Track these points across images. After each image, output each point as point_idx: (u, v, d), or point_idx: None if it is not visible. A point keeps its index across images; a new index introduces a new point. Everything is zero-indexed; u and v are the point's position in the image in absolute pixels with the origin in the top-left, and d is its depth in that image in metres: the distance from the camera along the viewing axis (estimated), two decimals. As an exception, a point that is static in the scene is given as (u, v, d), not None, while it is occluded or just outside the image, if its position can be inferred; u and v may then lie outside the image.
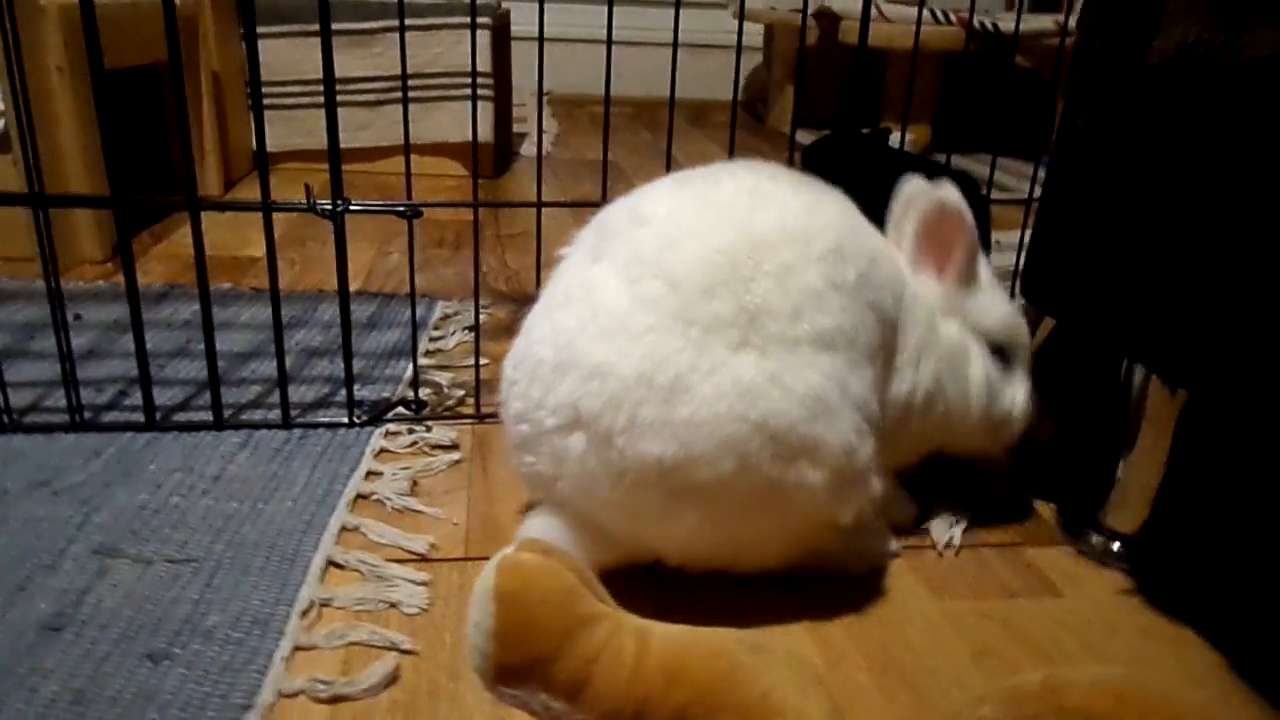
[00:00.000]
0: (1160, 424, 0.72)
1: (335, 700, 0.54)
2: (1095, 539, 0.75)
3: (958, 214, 0.70)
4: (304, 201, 0.77)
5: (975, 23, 2.19)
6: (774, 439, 0.57)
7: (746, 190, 0.63)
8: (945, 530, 0.75)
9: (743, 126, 2.80)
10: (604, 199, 0.70)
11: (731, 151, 0.91)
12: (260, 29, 1.77)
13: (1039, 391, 0.77)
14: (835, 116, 2.52)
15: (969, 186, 1.13)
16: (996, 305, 0.73)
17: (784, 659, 0.41)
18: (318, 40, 0.76)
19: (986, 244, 1.08)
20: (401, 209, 0.78)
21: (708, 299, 0.57)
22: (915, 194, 0.72)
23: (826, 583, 0.67)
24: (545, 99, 2.85)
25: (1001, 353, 0.73)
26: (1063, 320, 0.78)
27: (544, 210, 0.87)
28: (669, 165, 0.81)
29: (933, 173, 1.11)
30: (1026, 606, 0.68)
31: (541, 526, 0.63)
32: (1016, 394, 0.74)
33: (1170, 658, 0.63)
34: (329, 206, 0.77)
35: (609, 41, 0.83)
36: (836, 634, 0.63)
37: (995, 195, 0.99)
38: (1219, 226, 0.57)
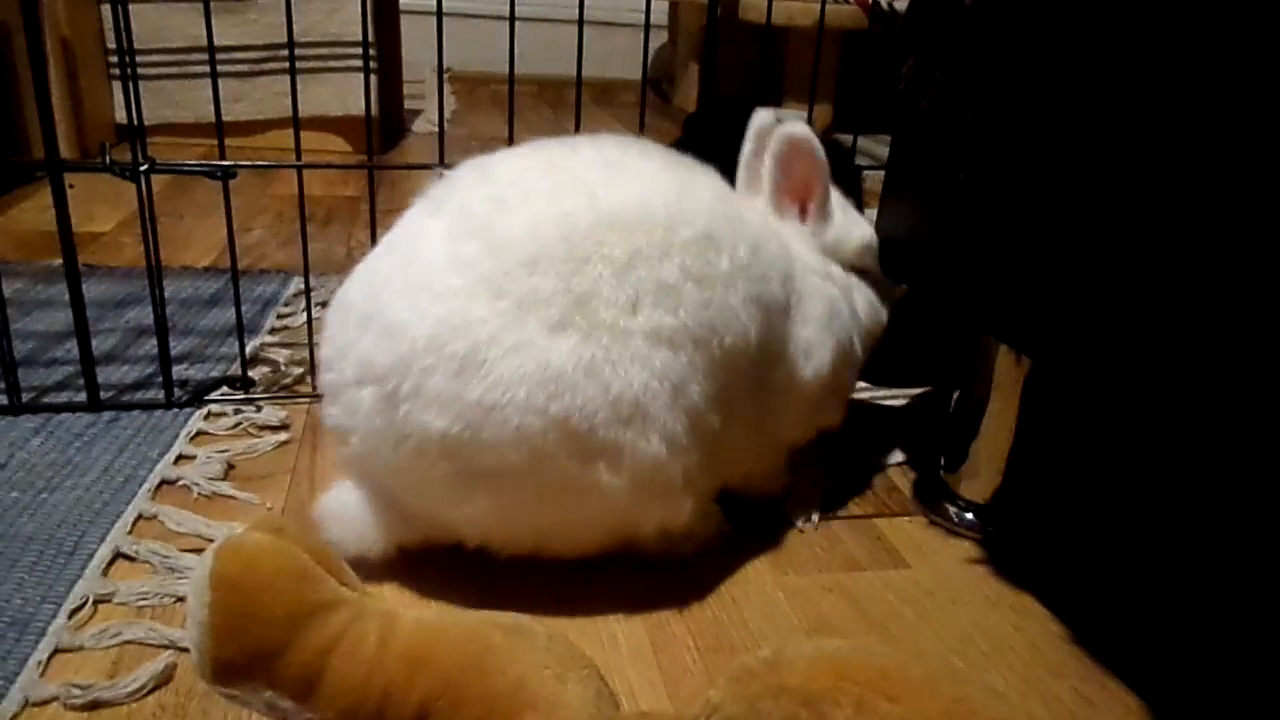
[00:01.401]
0: (1008, 391, 0.70)
1: (93, 706, 0.49)
2: (949, 509, 0.73)
3: (809, 147, 0.67)
4: (100, 161, 0.70)
5: (874, 1, 2.19)
6: (572, 437, 0.52)
7: (605, 162, 0.58)
8: (801, 513, 0.72)
9: (648, 105, 2.76)
10: (441, 160, 0.65)
11: (642, 128, 0.87)
12: (115, -9, 1.67)
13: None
14: (740, 95, 2.50)
15: (840, 155, 1.11)
16: (851, 230, 0.71)
17: (545, 644, 0.37)
18: (183, 5, 0.68)
19: (859, 209, 1.06)
20: (209, 169, 0.72)
21: (528, 272, 0.52)
22: (764, 132, 0.70)
23: (664, 564, 0.63)
24: (447, 74, 2.77)
25: (862, 272, 0.72)
26: (913, 289, 0.76)
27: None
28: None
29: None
30: (870, 579, 0.65)
31: (339, 498, 0.58)
32: (883, 299, 0.74)
33: (1010, 628, 0.61)
34: (129, 166, 0.70)
35: (512, 19, 0.78)
36: (669, 616, 0.60)
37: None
38: (1047, 179, 0.55)
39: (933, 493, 0.75)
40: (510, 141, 0.86)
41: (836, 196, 0.71)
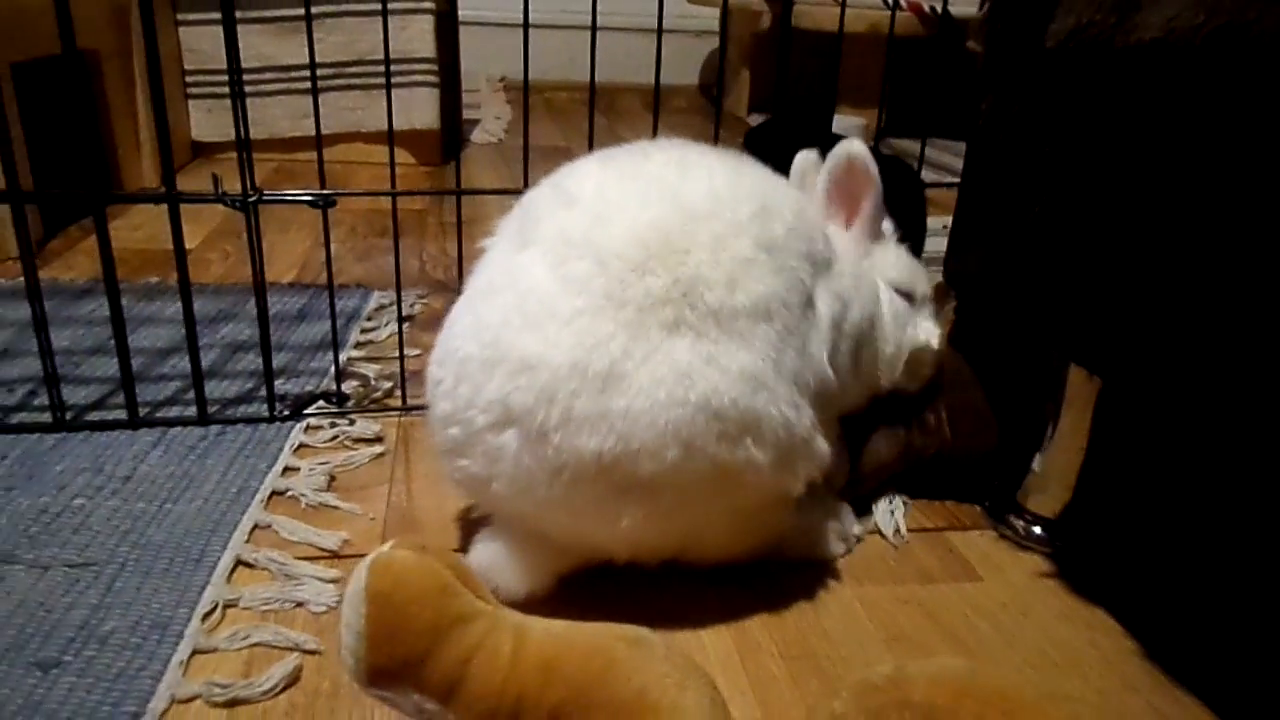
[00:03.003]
0: (1079, 408, 0.72)
1: (233, 704, 0.53)
2: (1017, 523, 0.75)
3: (865, 167, 0.70)
4: (213, 193, 0.75)
5: (928, 7, 2.20)
6: (718, 417, 0.55)
7: (674, 161, 0.62)
8: (889, 520, 0.75)
9: (699, 111, 2.79)
10: (525, 185, 0.68)
11: (717, 139, 0.90)
12: (197, 15, 1.74)
13: (989, 403, 0.78)
14: (791, 100, 2.52)
15: (904, 172, 1.13)
16: (898, 256, 0.75)
17: (664, 654, 0.40)
18: (256, 26, 0.73)
19: (922, 229, 1.08)
20: (313, 199, 0.76)
21: (640, 275, 0.55)
22: (806, 170, 0.75)
23: (749, 574, 0.67)
24: (501, 84, 2.83)
25: (906, 296, 0.74)
26: (983, 307, 0.78)
27: (497, 198, 0.84)
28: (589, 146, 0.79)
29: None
30: (944, 591, 0.68)
31: (487, 551, 0.61)
32: (924, 325, 0.75)
33: (1083, 641, 0.63)
34: (239, 197, 0.75)
35: (526, 26, 0.82)
36: (753, 625, 0.63)
37: (941, 178, 0.99)
38: (1122, 212, 0.57)
39: (1001, 507, 0.77)
40: (525, 149, 0.89)
41: (890, 228, 0.76)
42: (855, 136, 2.18)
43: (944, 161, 1.87)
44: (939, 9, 2.18)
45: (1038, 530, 0.74)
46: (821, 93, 2.46)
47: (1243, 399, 0.52)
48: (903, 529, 0.74)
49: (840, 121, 2.06)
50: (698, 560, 0.63)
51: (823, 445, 0.62)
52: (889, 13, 2.18)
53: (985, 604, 0.66)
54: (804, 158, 0.76)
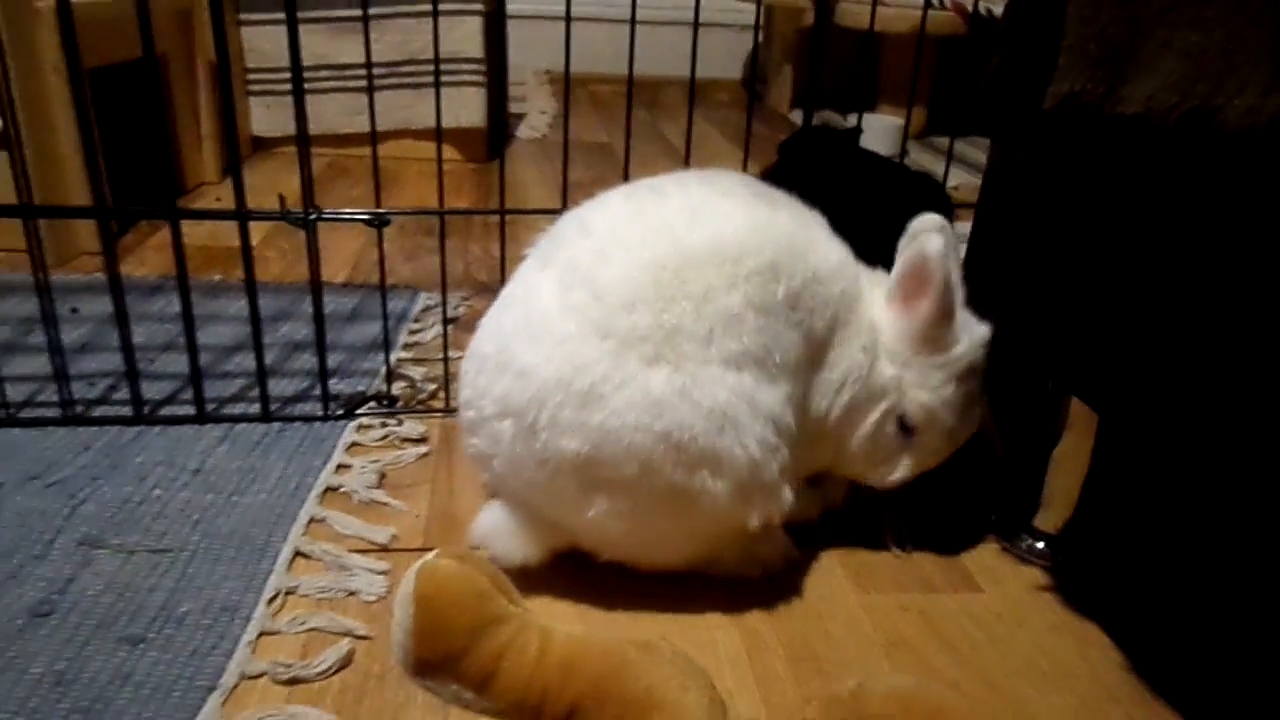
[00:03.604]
0: (1080, 429, 0.76)
1: (293, 682, 0.60)
2: (1022, 538, 0.79)
3: (932, 269, 0.67)
4: (278, 210, 0.82)
5: (971, 6, 2.20)
6: (677, 448, 0.61)
7: (689, 207, 0.66)
8: (897, 538, 0.79)
9: (740, 105, 2.81)
10: (564, 206, 0.74)
11: (689, 126, 0.95)
12: (258, 15, 1.81)
13: (992, 414, 0.80)
14: (833, 96, 2.54)
15: (931, 189, 1.16)
16: (930, 389, 0.70)
17: (669, 658, 0.46)
18: (312, 26, 0.79)
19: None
20: (369, 218, 0.82)
21: (628, 313, 0.62)
22: (917, 231, 0.69)
23: (760, 579, 0.72)
24: (547, 77, 2.87)
25: (908, 429, 0.72)
26: (996, 332, 0.81)
27: (539, 197, 0.90)
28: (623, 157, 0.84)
29: (896, 175, 1.15)
30: (945, 601, 0.73)
31: (491, 518, 0.69)
32: (901, 463, 0.74)
33: (1072, 653, 0.68)
34: (300, 215, 0.81)
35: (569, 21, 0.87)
36: (762, 626, 0.68)
37: (977, 179, 1.01)
38: (1113, 263, 0.61)
39: (1007, 522, 0.81)
40: (564, 184, 0.94)
41: (952, 354, 0.70)
42: (891, 135, 2.17)
43: (981, 161, 1.88)
44: (985, 10, 2.18)
45: (1040, 545, 0.79)
46: (861, 91, 2.47)
47: (1227, 436, 0.56)
48: (908, 546, 0.78)
49: (878, 121, 2.07)
50: (650, 564, 0.69)
51: (787, 494, 0.66)
52: (932, 12, 2.19)
53: (982, 614, 0.71)
54: (924, 222, 0.69)
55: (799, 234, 0.68)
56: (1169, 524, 0.80)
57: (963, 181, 1.88)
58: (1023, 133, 0.63)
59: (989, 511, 0.82)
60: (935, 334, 0.69)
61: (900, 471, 0.74)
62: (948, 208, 1.14)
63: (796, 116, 2.56)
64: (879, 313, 0.71)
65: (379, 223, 0.83)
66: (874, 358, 0.70)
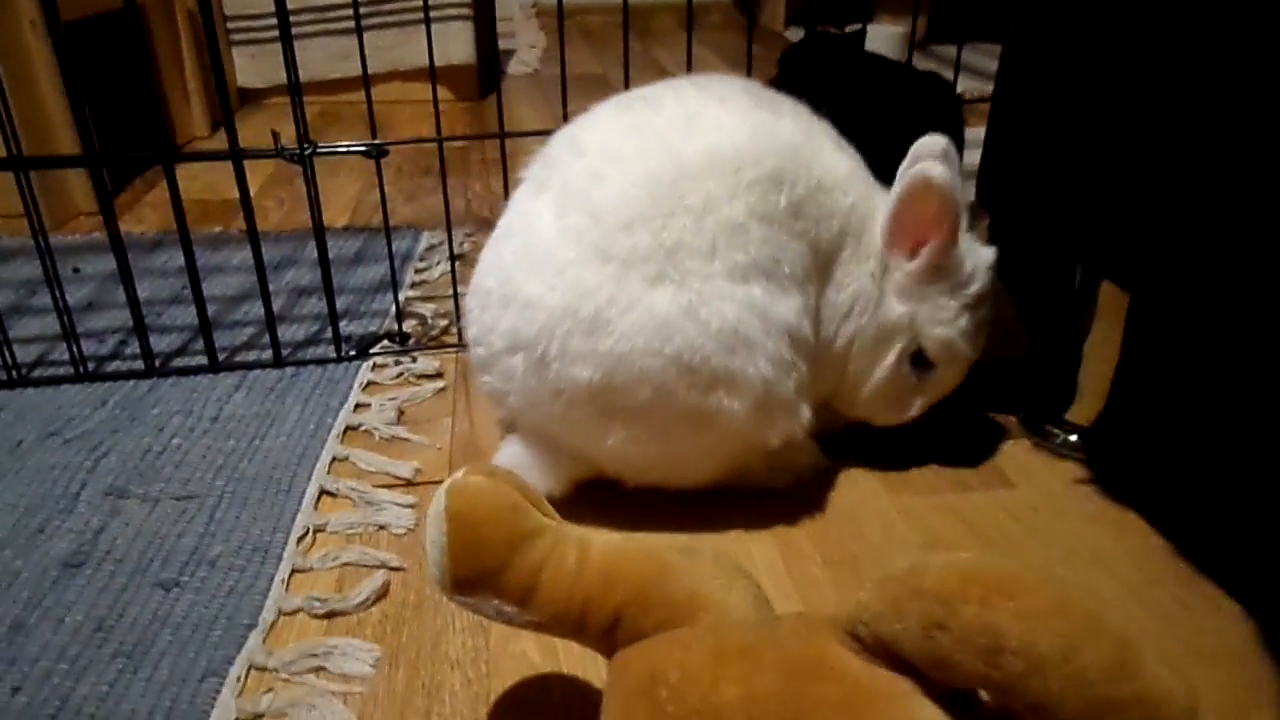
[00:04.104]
0: (1110, 319, 0.74)
1: (331, 615, 0.60)
2: (1053, 433, 0.78)
3: (944, 196, 0.62)
4: (272, 147, 0.79)
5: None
6: (690, 371, 0.59)
7: (684, 116, 0.63)
8: (928, 437, 0.77)
9: (734, 27, 2.74)
10: (565, 121, 0.71)
11: (689, 52, 0.92)
12: (232, -37, 1.76)
13: (1017, 310, 0.78)
14: (829, 9, 2.46)
15: (941, 89, 1.12)
16: (945, 322, 0.67)
17: (711, 560, 0.45)
18: None
19: (960, 146, 1.08)
20: (366, 149, 0.80)
21: (627, 233, 0.59)
22: (921, 154, 0.64)
23: (793, 489, 0.71)
24: (534, 10, 2.80)
25: (923, 359, 0.69)
26: (1015, 224, 0.79)
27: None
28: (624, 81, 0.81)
29: (904, 77, 1.11)
30: (979, 499, 0.72)
31: (511, 452, 0.68)
32: (915, 402, 0.71)
33: (1112, 541, 0.67)
34: (296, 151, 0.79)
35: None
36: (797, 534, 0.68)
37: (984, 86, 0.97)
38: (1150, 128, 0.58)
39: (1038, 417, 0.80)
40: (563, 93, 0.91)
41: (960, 276, 0.67)
42: (894, 45, 2.12)
43: (987, 67, 1.83)
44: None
45: (1073, 439, 0.77)
46: (859, 2, 2.40)
47: (1262, 308, 0.54)
48: (939, 443, 0.77)
49: (878, 31, 2.01)
50: (678, 485, 0.67)
51: (806, 411, 0.64)
52: (929, -87, 2.11)
53: (1018, 509, 0.70)
54: (926, 144, 0.64)
55: (803, 141, 0.65)
56: (1203, 405, 0.78)
57: (969, 88, 1.83)
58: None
59: (1019, 409, 0.81)
60: (943, 262, 0.65)
61: (914, 410, 0.72)
62: (958, 107, 1.11)
63: (792, 35, 2.50)
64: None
65: (376, 153, 0.80)
66: (882, 292, 0.67)
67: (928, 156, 0.63)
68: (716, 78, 0.68)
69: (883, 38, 1.96)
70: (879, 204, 0.67)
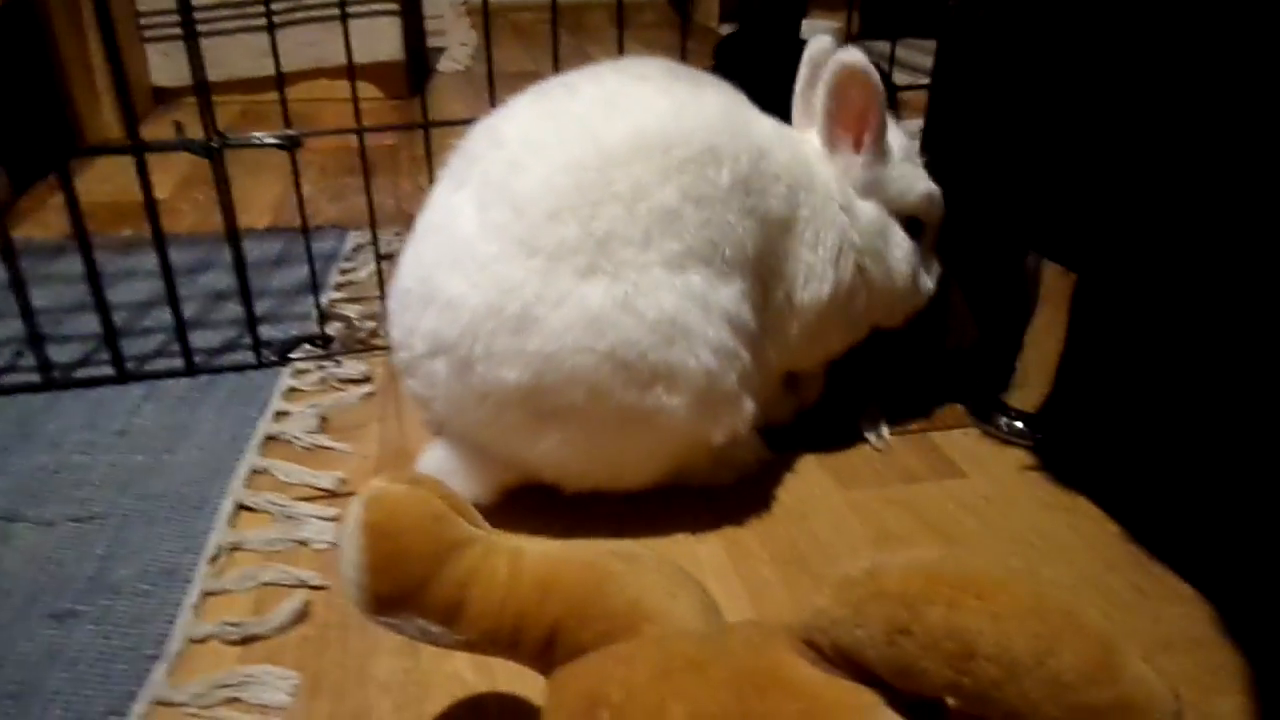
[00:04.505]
0: (1055, 302, 0.73)
1: (246, 641, 0.55)
2: (1000, 420, 0.77)
3: (866, 77, 0.63)
4: (177, 140, 0.74)
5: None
6: (625, 367, 0.56)
7: (603, 98, 0.60)
8: (873, 426, 0.76)
9: (668, 24, 2.72)
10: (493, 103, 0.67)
11: (620, 48, 0.88)
12: (140, -46, 1.67)
13: (966, 298, 0.77)
14: (762, 6, 2.46)
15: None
16: (914, 177, 0.69)
17: (654, 566, 0.42)
18: None
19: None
20: (279, 141, 0.75)
21: (553, 225, 0.56)
22: (818, 61, 0.68)
23: (738, 485, 0.68)
24: (464, 8, 2.74)
25: (915, 224, 0.70)
26: (957, 207, 0.78)
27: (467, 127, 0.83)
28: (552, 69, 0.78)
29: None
30: (929, 489, 0.70)
31: (436, 456, 0.63)
32: (927, 268, 0.72)
33: (1065, 528, 0.66)
34: (204, 144, 0.74)
35: None
36: (744, 533, 0.65)
37: (916, 80, 0.96)
38: (1090, 106, 0.57)
39: (985, 405, 0.78)
40: (490, 76, 0.87)
41: (900, 140, 0.69)
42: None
43: (920, 63, 1.84)
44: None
45: (1020, 425, 0.76)
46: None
47: (1211, 288, 0.53)
48: (886, 434, 0.75)
49: (813, 26, 2.01)
50: (618, 489, 0.63)
51: (749, 405, 0.61)
52: (859, -92, 2.11)
53: (969, 499, 0.68)
54: (819, 46, 0.69)
55: (733, 111, 0.63)
56: (1149, 388, 0.78)
57: (901, 83, 1.83)
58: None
59: (966, 397, 0.80)
60: (885, 136, 0.66)
61: (930, 282, 0.72)
62: (893, 94, 1.10)
63: (726, 30, 2.48)
64: (823, 165, 0.67)
65: (291, 145, 0.75)
66: (851, 206, 0.66)
67: (823, 52, 0.67)
68: (633, 59, 0.65)
69: (818, 32, 1.96)
70: (810, 139, 0.68)
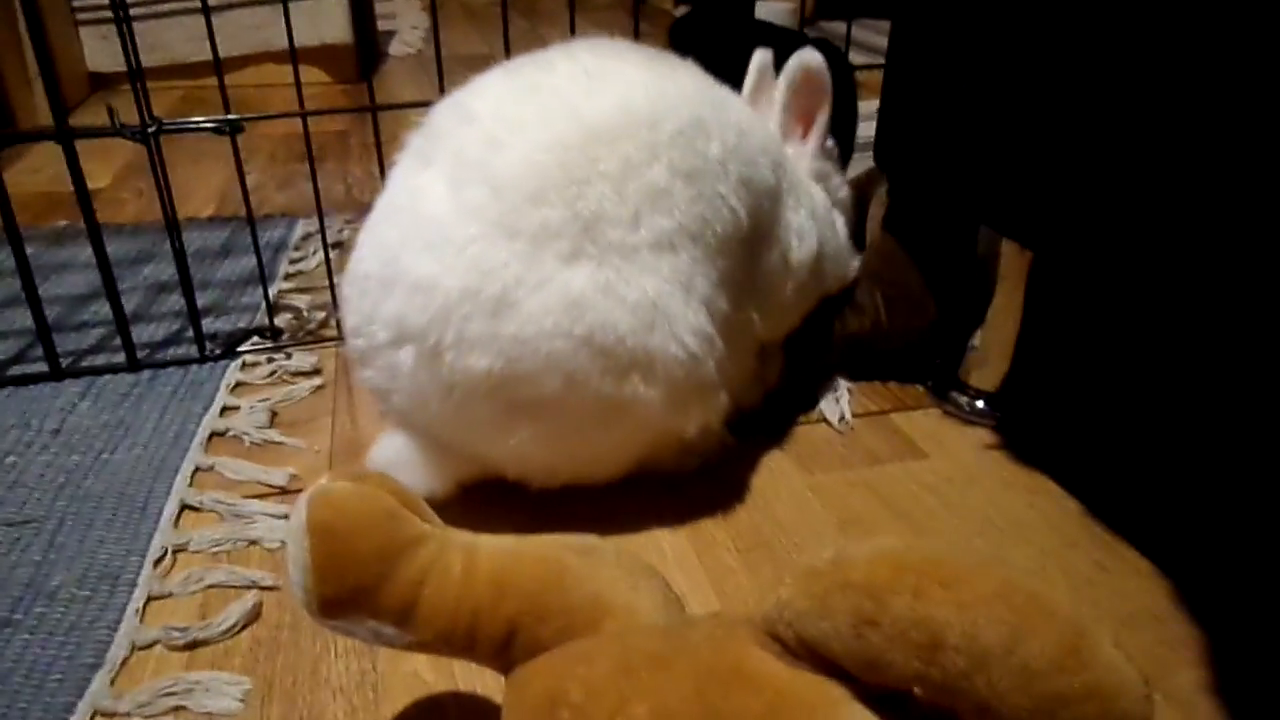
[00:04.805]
0: (1012, 280, 0.73)
1: (193, 646, 0.53)
2: (960, 399, 0.77)
3: (821, 80, 0.71)
4: (108, 126, 0.71)
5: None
6: (603, 353, 0.54)
7: (582, 72, 0.58)
8: (835, 408, 0.75)
9: (622, 6, 2.69)
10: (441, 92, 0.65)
11: (573, 28, 0.86)
12: (71, -67, 1.61)
13: (924, 284, 0.78)
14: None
15: (833, 54, 1.10)
16: (842, 179, 0.79)
17: (613, 559, 0.40)
18: None
19: (854, 113, 1.06)
20: (217, 125, 0.72)
21: (535, 206, 0.53)
22: (764, 71, 0.75)
23: (700, 473, 0.67)
24: (415, -9, 2.69)
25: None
26: (915, 187, 0.77)
27: (419, 112, 0.80)
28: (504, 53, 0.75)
29: (796, 42, 1.08)
30: (892, 471, 0.69)
31: (391, 447, 0.61)
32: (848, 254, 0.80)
33: (1026, 507, 0.66)
34: (137, 129, 0.70)
35: None
36: (707, 522, 0.64)
37: (872, 60, 0.96)
38: (1046, 82, 0.56)
39: (945, 385, 0.78)
40: (438, 58, 0.85)
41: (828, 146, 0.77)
42: (783, 22, 2.12)
43: (875, 43, 1.84)
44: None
45: (980, 404, 0.76)
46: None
47: (1168, 264, 0.53)
48: (848, 415, 0.75)
49: (767, 7, 2.00)
50: (583, 483, 0.62)
51: (723, 397, 0.61)
52: (812, -112, 2.10)
53: (931, 479, 0.68)
54: (762, 58, 0.76)
55: (710, 89, 0.63)
56: (1108, 365, 0.78)
57: (857, 63, 1.83)
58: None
59: (925, 377, 0.80)
60: (822, 145, 0.74)
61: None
62: (850, 74, 1.09)
63: (682, 12, 2.46)
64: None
65: (231, 129, 0.72)
66: (810, 187, 0.73)
67: (767, 66, 0.75)
68: (602, 39, 0.64)
69: (773, 13, 1.95)
70: (774, 116, 0.72)
